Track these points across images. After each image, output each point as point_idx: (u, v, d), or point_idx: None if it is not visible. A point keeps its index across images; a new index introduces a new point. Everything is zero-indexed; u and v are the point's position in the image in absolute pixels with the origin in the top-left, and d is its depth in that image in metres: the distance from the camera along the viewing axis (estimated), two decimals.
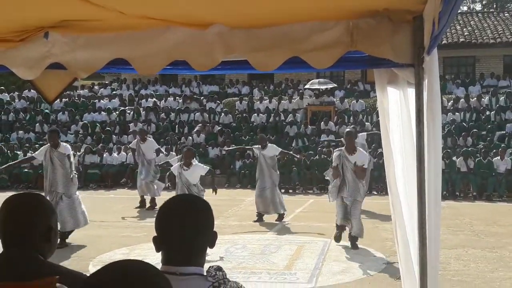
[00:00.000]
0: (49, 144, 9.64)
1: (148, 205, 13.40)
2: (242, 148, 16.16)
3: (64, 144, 9.98)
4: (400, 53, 2.72)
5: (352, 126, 19.83)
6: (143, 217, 12.28)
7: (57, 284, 1.63)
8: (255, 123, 21.87)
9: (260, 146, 11.89)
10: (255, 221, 11.57)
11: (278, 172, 12.15)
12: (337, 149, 9.58)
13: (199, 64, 2.92)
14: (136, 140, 14.35)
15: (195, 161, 9.73)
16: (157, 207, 12.83)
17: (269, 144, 12.03)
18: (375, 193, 16.73)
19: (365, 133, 14.73)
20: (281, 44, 2.84)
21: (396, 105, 2.99)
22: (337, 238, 9.19)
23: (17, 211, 1.94)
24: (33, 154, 10.76)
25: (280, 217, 11.67)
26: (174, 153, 19.10)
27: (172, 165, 10.45)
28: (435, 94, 2.76)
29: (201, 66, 2.93)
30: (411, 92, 2.82)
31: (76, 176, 9.90)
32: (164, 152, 15.91)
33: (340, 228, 9.20)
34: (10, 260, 1.87)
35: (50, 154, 9.42)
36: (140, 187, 13.59)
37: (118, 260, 1.15)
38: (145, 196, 13.58)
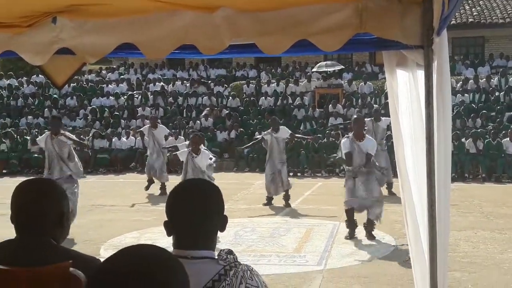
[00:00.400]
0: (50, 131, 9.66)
1: (159, 190, 13.43)
2: (256, 143, 15.85)
3: (66, 133, 9.94)
4: (409, 34, 2.69)
5: (357, 110, 19.73)
6: (153, 201, 12.35)
7: (71, 269, 1.65)
8: (262, 107, 21.83)
9: (272, 129, 11.77)
10: (264, 205, 11.57)
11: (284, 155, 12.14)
12: (345, 136, 9.36)
13: (207, 47, 2.91)
14: (147, 126, 14.37)
15: (202, 147, 9.71)
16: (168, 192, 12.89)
17: (280, 127, 11.95)
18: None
19: (389, 119, 14.32)
20: (289, 27, 2.82)
21: (405, 87, 2.97)
22: (350, 236, 8.59)
23: (29, 197, 1.96)
24: (36, 140, 10.75)
25: (287, 199, 11.57)
26: (182, 137, 19.15)
27: (179, 149, 10.49)
28: (445, 76, 2.74)
29: (208, 50, 2.92)
30: (421, 74, 2.80)
31: (79, 164, 9.87)
32: (173, 137, 15.95)
33: (350, 220, 8.61)
34: (24, 246, 1.89)
35: (51, 141, 9.44)
36: (149, 169, 13.61)
37: (132, 244, 1.16)
38: (155, 180, 13.62)
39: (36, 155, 18.82)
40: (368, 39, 2.97)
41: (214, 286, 1.71)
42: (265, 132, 12.15)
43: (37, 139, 10.43)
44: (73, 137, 10.22)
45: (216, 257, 1.79)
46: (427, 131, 2.70)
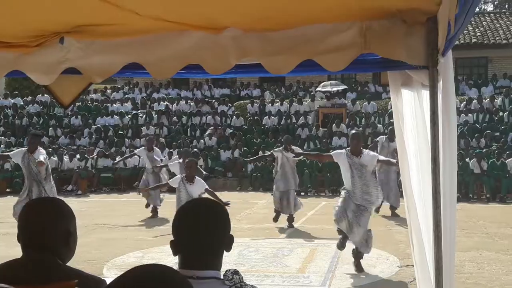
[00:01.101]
0: (27, 148, 9.55)
1: (150, 213, 13.10)
2: (262, 157, 15.53)
3: (41, 149, 9.70)
4: (414, 55, 2.70)
5: (358, 128, 19.74)
6: (156, 221, 12.32)
7: None
8: (266, 126, 21.88)
9: (284, 147, 11.43)
10: (274, 220, 11.44)
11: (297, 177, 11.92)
12: (339, 151, 8.68)
13: (213, 68, 2.93)
14: (142, 149, 14.22)
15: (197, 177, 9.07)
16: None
17: (293, 147, 11.44)
18: None
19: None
20: (294, 47, 2.84)
21: (410, 107, 2.98)
22: (340, 245, 8.11)
23: (37, 215, 1.96)
24: (9, 154, 10.43)
25: (291, 220, 11.42)
26: (177, 156, 19.16)
27: (168, 167, 10.52)
28: (450, 96, 2.75)
29: (215, 70, 2.94)
30: (426, 94, 2.81)
31: (54, 187, 9.79)
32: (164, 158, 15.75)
33: (342, 233, 8.06)
34: (30, 264, 1.89)
35: (28, 158, 9.36)
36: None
37: (140, 265, 1.16)
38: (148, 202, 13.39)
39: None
40: (373, 59, 2.99)
41: None
42: (276, 149, 11.87)
43: (11, 153, 10.16)
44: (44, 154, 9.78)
45: (222, 277, 1.79)
46: (433, 151, 2.69)
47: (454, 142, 2.78)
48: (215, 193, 9.02)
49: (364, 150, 8.19)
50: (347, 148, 8.17)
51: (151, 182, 13.16)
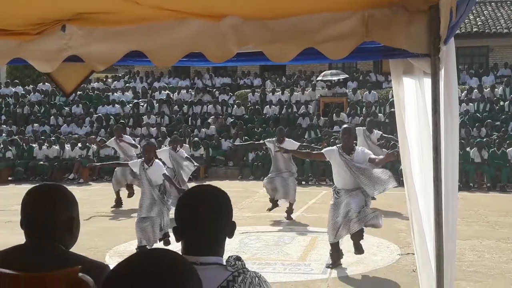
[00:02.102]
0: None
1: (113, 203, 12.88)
2: (252, 145, 15.21)
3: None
4: (416, 43, 2.70)
5: (361, 119, 19.72)
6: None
7: (79, 274, 1.66)
8: (267, 115, 21.86)
9: (276, 139, 10.98)
10: (269, 210, 11.13)
11: (295, 164, 11.49)
12: (330, 148, 7.94)
13: (214, 56, 2.93)
14: (113, 139, 13.76)
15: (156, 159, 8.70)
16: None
17: (286, 139, 11.04)
18: None
19: (381, 133, 13.08)
20: (296, 35, 2.84)
21: (412, 95, 2.98)
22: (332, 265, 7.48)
23: (39, 202, 1.98)
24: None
25: (290, 212, 11.07)
26: (187, 145, 19.19)
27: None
28: (452, 84, 2.75)
29: (216, 58, 2.94)
30: (427, 82, 2.81)
31: None
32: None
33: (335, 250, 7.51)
34: (33, 251, 1.91)
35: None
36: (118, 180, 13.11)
37: (145, 249, 1.17)
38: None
39: (42, 162, 18.90)
40: (374, 48, 2.98)
41: None
42: (269, 140, 11.46)
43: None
44: None
45: (225, 263, 1.80)
46: (434, 140, 2.70)
47: (456, 130, 2.78)
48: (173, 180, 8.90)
49: (357, 147, 7.64)
50: (338, 145, 7.52)
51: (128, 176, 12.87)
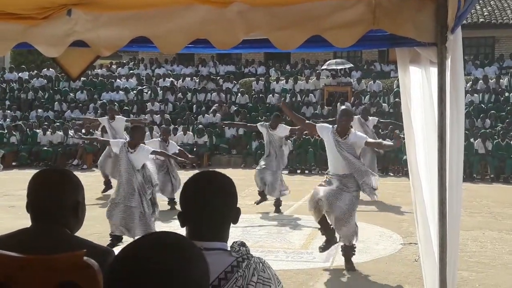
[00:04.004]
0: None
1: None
2: (243, 125, 14.73)
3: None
4: (423, 31, 2.69)
5: (365, 108, 19.66)
6: (161, 195, 12.35)
7: (84, 258, 1.66)
8: (271, 104, 21.83)
9: (270, 124, 10.67)
10: (256, 203, 10.81)
11: (286, 158, 11.16)
12: (325, 125, 7.37)
13: (221, 42, 2.92)
14: (105, 118, 13.51)
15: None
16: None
17: (279, 125, 10.65)
18: (391, 174, 16.69)
19: (377, 119, 12.80)
20: (302, 22, 2.82)
21: (418, 84, 2.97)
22: (323, 248, 7.17)
23: (46, 186, 1.99)
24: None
25: (278, 205, 10.76)
26: (190, 132, 19.20)
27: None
28: (458, 74, 2.74)
29: (222, 45, 2.93)
30: (434, 71, 2.80)
31: None
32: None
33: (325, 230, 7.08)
34: (38, 234, 1.92)
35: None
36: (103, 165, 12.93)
37: (152, 232, 1.17)
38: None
39: (45, 148, 18.96)
40: (381, 36, 2.97)
41: (227, 277, 1.73)
42: (262, 123, 11.13)
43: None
44: None
45: (229, 249, 1.81)
46: (439, 129, 2.69)
47: (462, 120, 2.77)
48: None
49: (352, 129, 7.11)
50: (335, 126, 7.00)
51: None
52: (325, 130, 6.97)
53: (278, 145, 10.78)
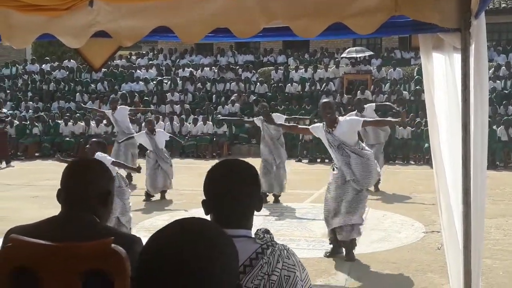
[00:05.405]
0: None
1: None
2: (240, 120, 14.71)
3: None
4: (446, 17, 2.65)
5: (386, 97, 19.51)
6: (183, 184, 12.45)
7: (112, 245, 1.69)
8: (290, 93, 21.75)
9: (263, 116, 9.95)
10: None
11: (284, 148, 10.75)
12: (316, 124, 7.36)
13: (241, 31, 2.92)
14: (110, 111, 13.70)
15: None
16: None
17: (272, 114, 9.94)
18: (413, 162, 16.56)
19: (374, 104, 12.53)
20: (323, 10, 2.81)
21: (441, 71, 2.94)
22: (332, 252, 6.93)
23: (80, 174, 2.04)
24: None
25: (277, 199, 10.45)
26: (210, 122, 19.24)
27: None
28: (483, 60, 2.71)
29: (242, 34, 2.93)
30: (457, 57, 2.77)
31: None
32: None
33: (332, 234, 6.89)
34: (68, 221, 1.95)
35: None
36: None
37: (180, 218, 1.18)
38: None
39: (67, 138, 19.17)
40: (403, 22, 2.94)
41: (252, 264, 1.74)
42: (258, 117, 10.59)
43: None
44: None
45: (253, 236, 1.82)
46: (463, 116, 2.67)
47: (486, 106, 2.75)
48: None
49: (340, 118, 6.92)
50: (324, 122, 6.85)
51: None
52: (318, 129, 6.86)
53: (275, 136, 10.40)
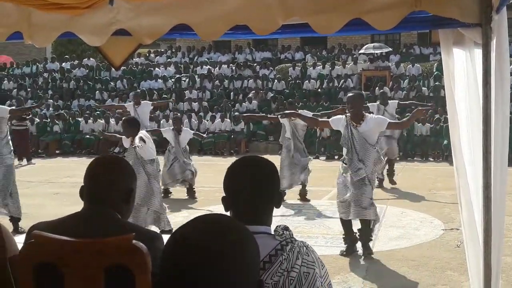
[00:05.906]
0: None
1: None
2: (263, 117, 14.54)
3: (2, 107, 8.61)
4: (467, 12, 2.63)
5: (405, 93, 19.34)
6: (201, 182, 12.50)
7: (133, 241, 1.71)
8: (307, 90, 21.70)
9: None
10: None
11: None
12: (338, 116, 7.22)
13: (260, 28, 2.92)
14: (131, 103, 13.68)
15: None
16: None
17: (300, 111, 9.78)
18: (431, 159, 16.42)
19: (396, 102, 12.11)
20: (341, 6, 2.79)
21: (462, 66, 2.91)
22: (348, 251, 6.83)
23: (102, 171, 2.07)
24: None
25: (304, 193, 10.32)
26: (228, 119, 19.29)
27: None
28: (504, 55, 2.68)
29: (261, 30, 2.93)
30: (478, 52, 2.74)
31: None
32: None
33: (346, 227, 6.85)
34: (90, 218, 1.98)
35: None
36: None
37: (203, 214, 1.19)
38: None
39: (88, 136, 19.36)
40: (423, 17, 2.91)
41: (271, 260, 1.75)
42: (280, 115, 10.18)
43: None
44: None
45: (273, 233, 1.83)
46: (484, 112, 2.64)
47: (507, 102, 2.72)
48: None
49: (368, 114, 6.74)
50: (348, 114, 6.64)
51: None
52: (339, 122, 6.69)
53: (302, 133, 10.26)
